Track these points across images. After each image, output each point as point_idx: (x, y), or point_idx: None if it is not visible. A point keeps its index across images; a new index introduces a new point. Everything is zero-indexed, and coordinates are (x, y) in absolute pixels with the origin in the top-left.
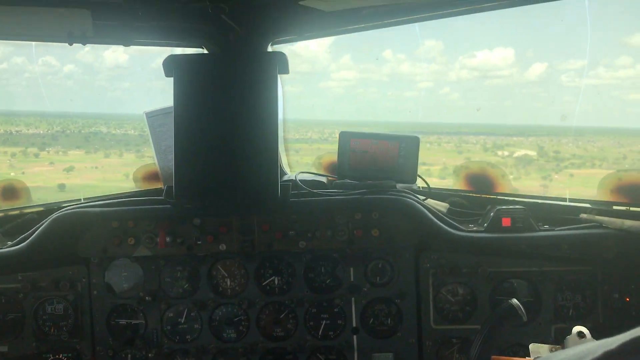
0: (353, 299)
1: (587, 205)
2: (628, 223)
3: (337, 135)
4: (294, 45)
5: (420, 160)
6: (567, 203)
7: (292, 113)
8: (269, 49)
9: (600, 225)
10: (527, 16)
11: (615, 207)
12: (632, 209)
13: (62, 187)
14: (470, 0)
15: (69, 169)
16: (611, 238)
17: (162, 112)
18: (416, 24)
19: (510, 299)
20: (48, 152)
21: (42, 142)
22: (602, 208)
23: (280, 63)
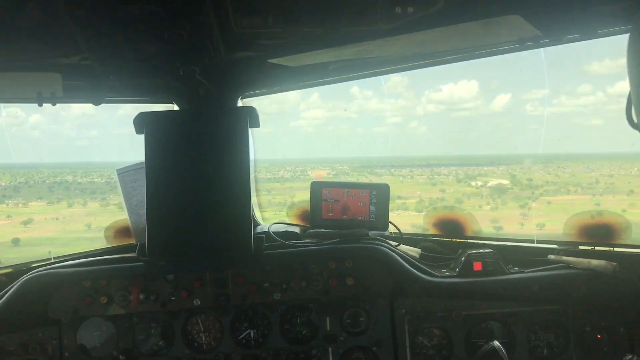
0: (330, 348)
1: (554, 246)
2: (594, 263)
3: (309, 173)
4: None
5: (395, 194)
6: (535, 244)
7: (264, 154)
8: (239, 103)
9: (567, 265)
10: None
11: (581, 247)
12: (597, 248)
13: (16, 241)
14: (432, 54)
15: (27, 222)
16: (579, 278)
17: (133, 168)
18: (381, 77)
19: (485, 341)
20: (7, 204)
21: (2, 195)
22: (568, 249)
23: (251, 117)
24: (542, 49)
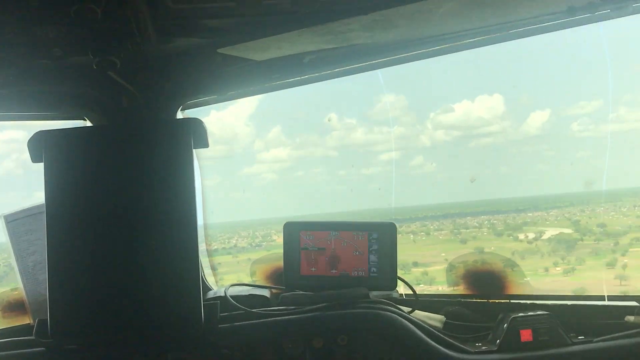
0: None
1: (634, 303)
2: None
3: (276, 237)
4: (205, 118)
5: (408, 259)
6: (606, 302)
7: (208, 216)
8: (179, 115)
9: None
10: (514, 50)
11: None
12: None
13: None
14: (444, 37)
15: None
16: None
17: (29, 212)
18: (379, 71)
19: None
20: None
21: None
22: None
23: (196, 134)
24: (600, 30)
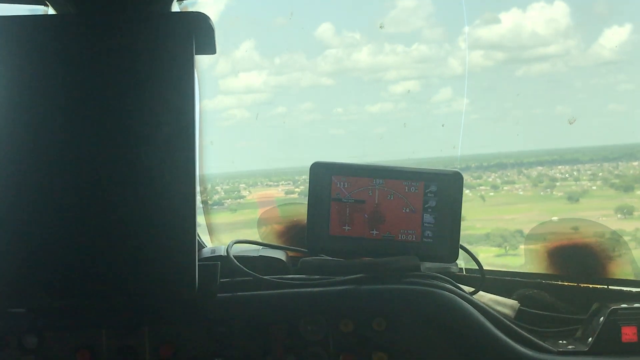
0: None
1: None
2: None
3: (246, 192)
4: None
5: (498, 224)
6: None
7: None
8: (175, 7)
9: None
10: None
11: None
12: None
13: None
14: None
15: None
16: None
17: None
18: None
19: None
20: None
21: None
22: None
23: (200, 34)
24: None
